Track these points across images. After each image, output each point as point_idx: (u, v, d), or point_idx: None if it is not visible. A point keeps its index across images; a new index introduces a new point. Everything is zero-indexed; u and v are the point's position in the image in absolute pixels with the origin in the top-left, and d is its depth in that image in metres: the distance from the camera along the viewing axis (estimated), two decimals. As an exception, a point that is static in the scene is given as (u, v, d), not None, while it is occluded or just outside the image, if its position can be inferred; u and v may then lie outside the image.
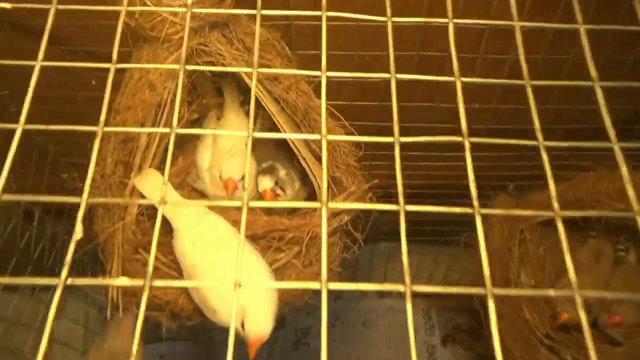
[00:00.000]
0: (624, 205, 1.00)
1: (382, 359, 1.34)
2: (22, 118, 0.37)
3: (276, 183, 0.83)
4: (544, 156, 0.33)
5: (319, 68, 0.37)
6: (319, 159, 0.80)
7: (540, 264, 1.15)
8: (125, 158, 0.74)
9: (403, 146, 0.33)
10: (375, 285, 0.29)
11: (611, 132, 0.34)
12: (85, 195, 0.35)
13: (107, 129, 0.36)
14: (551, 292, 0.32)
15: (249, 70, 0.44)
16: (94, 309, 1.25)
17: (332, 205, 0.33)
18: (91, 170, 0.36)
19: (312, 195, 0.87)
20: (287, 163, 0.86)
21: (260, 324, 0.64)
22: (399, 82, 0.35)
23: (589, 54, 0.36)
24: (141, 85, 0.70)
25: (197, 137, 0.92)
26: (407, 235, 0.29)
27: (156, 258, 0.78)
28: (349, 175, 0.79)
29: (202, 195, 0.91)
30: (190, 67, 0.45)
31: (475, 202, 0.30)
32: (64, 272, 0.32)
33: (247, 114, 0.93)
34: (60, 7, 0.39)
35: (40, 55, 0.39)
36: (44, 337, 0.31)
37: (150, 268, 0.33)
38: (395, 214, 0.29)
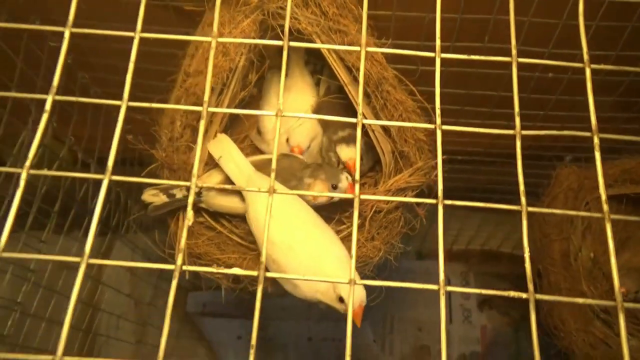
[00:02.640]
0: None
1: (419, 319, 1.37)
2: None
3: None
4: None
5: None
6: (386, 130, 0.77)
7: (602, 237, 1.12)
8: (193, 122, 0.72)
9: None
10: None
11: None
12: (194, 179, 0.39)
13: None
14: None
15: (356, 49, 0.43)
16: (139, 255, 1.26)
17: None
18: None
19: (374, 166, 0.85)
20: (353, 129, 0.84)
21: (356, 294, 0.63)
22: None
23: None
24: (214, 49, 0.67)
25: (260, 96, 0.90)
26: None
27: (220, 224, 0.78)
28: (417, 150, 0.76)
29: (261, 153, 0.90)
30: (294, 44, 0.44)
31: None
32: (179, 258, 0.36)
33: (311, 73, 0.90)
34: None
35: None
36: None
37: (263, 258, 0.36)
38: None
